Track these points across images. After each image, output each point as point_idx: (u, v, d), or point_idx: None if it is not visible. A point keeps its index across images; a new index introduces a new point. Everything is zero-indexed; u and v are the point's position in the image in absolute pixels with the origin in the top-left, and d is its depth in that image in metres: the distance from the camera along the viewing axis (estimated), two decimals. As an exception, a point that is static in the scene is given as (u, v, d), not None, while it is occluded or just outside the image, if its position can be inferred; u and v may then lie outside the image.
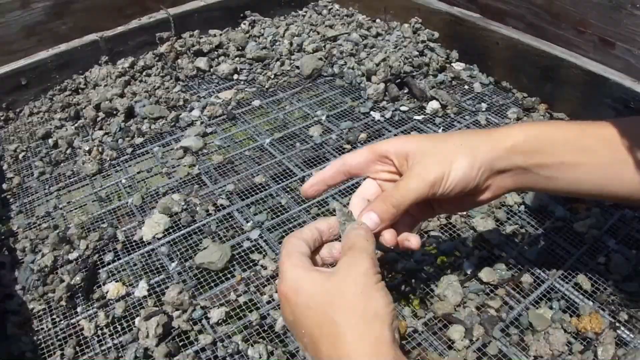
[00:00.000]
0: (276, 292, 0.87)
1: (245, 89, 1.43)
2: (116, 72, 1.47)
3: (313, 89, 1.43)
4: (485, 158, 0.62)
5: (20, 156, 1.30)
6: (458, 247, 0.93)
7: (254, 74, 1.49)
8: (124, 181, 1.17)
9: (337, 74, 1.44)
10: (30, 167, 1.26)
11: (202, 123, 1.31)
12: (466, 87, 1.38)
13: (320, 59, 1.47)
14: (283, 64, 1.50)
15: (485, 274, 0.86)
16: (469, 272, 0.88)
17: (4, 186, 1.20)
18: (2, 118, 1.43)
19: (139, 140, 1.28)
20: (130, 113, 1.35)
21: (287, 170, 1.14)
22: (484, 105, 1.29)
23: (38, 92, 1.48)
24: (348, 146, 1.19)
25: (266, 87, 1.43)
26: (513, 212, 1.00)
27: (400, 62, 1.35)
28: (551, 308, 0.81)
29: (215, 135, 1.28)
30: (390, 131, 1.23)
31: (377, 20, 1.66)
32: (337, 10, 1.77)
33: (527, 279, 0.86)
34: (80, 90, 1.49)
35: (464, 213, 0.99)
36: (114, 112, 1.35)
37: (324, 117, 1.28)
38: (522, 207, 1.00)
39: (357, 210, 0.64)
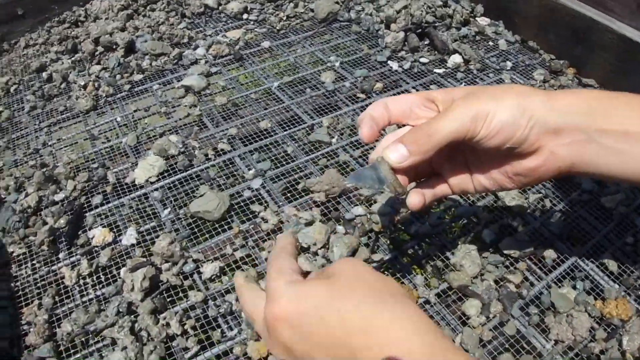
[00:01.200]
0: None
1: (255, 30, 1.34)
2: (118, 5, 1.37)
3: (327, 33, 1.33)
4: (538, 108, 0.51)
5: (12, 89, 1.23)
6: (478, 213, 0.85)
7: (265, 15, 1.39)
8: (119, 119, 1.09)
9: (354, 20, 1.34)
10: (22, 101, 1.18)
11: (206, 62, 1.21)
12: (490, 43, 1.28)
13: (337, 2, 1.37)
14: (297, 5, 1.40)
15: (506, 244, 0.78)
16: (488, 241, 0.80)
17: (-8, 120, 1.12)
18: (-5, 48, 1.34)
19: (138, 77, 1.19)
20: (130, 48, 1.26)
21: (296, 117, 1.06)
22: (508, 64, 1.19)
23: (35, 24, 1.39)
24: (362, 95, 1.10)
25: (277, 28, 1.33)
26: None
27: (422, 10, 1.25)
28: (575, 288, 0.74)
29: (220, 76, 1.19)
30: (408, 83, 1.14)
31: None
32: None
33: (550, 254, 0.78)
34: (79, 23, 1.40)
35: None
36: (114, 47, 1.26)
37: (337, 63, 1.19)
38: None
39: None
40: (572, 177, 0.91)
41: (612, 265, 0.77)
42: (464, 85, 1.13)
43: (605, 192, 0.88)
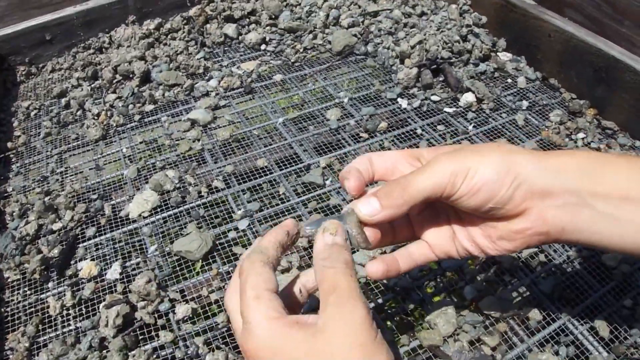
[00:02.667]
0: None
1: (270, 61, 1.33)
2: (140, 33, 1.39)
3: (342, 67, 1.31)
4: (525, 166, 0.47)
5: (32, 114, 1.25)
6: (463, 267, 0.81)
7: (282, 46, 1.38)
8: (124, 150, 1.10)
9: (370, 53, 1.32)
10: (39, 127, 1.20)
11: (217, 94, 1.21)
12: (509, 80, 1.23)
13: (355, 35, 1.35)
14: (315, 37, 1.38)
15: (487, 303, 0.74)
16: (469, 298, 0.76)
17: (9, 144, 1.15)
18: (24, 72, 1.38)
19: (149, 107, 1.20)
20: (146, 78, 1.28)
21: (294, 156, 1.04)
22: (524, 103, 1.14)
23: (62, 49, 1.43)
24: (365, 135, 1.07)
25: (292, 60, 1.32)
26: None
27: (438, 46, 1.21)
28: (557, 354, 0.69)
29: (228, 109, 1.18)
30: (415, 122, 1.11)
31: (425, -2, 1.52)
32: (385, -17, 1.63)
33: (535, 315, 0.74)
34: (104, 50, 1.43)
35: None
36: (130, 76, 1.28)
37: (346, 100, 1.17)
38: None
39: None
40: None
41: (604, 330, 0.72)
42: (473, 126, 1.09)
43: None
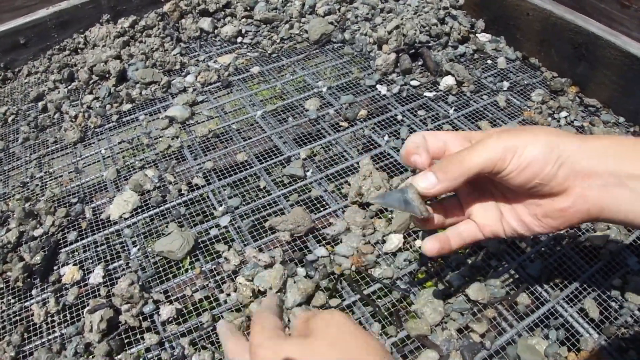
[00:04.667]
0: (234, 291, 0.77)
1: (247, 54, 1.31)
2: (115, 32, 1.37)
3: (319, 55, 1.30)
4: (568, 147, 0.50)
5: (10, 119, 1.23)
6: (448, 255, 0.80)
7: (259, 37, 1.37)
8: (103, 152, 1.08)
9: (348, 41, 1.30)
10: (17, 132, 1.18)
11: (194, 90, 1.20)
12: (489, 61, 1.22)
13: (331, 23, 1.33)
14: (292, 26, 1.37)
15: (475, 290, 0.73)
16: (455, 285, 0.75)
17: (-13, 152, 1.13)
18: (0, 78, 1.35)
19: (127, 106, 1.18)
20: (122, 77, 1.26)
21: (274, 148, 1.03)
22: (505, 84, 1.13)
23: (37, 52, 1.40)
24: (345, 123, 1.06)
25: (269, 52, 1.30)
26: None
27: (415, 30, 1.20)
28: (547, 338, 0.69)
29: (206, 104, 1.17)
30: (396, 108, 1.10)
31: (402, -18, 1.51)
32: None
33: (524, 299, 0.73)
34: (79, 50, 1.40)
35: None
36: (107, 75, 1.26)
37: (324, 89, 1.15)
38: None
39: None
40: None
41: (594, 311, 0.71)
42: (455, 108, 1.08)
43: (594, 227, 0.82)
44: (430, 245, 0.59)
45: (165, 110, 1.13)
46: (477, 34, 1.29)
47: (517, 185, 0.53)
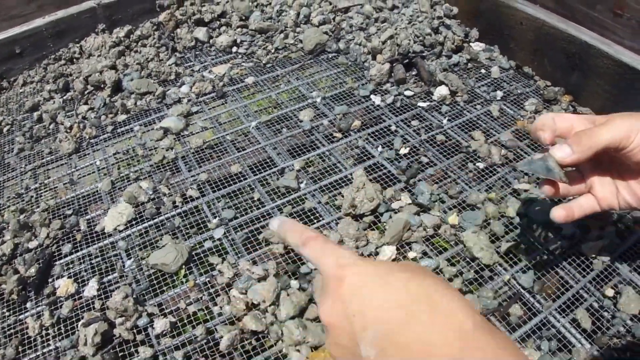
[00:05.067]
0: (228, 304, 0.77)
1: (242, 64, 1.32)
2: (110, 41, 1.37)
3: (314, 65, 1.30)
4: None
5: (5, 130, 1.23)
6: (442, 266, 0.80)
7: (254, 47, 1.37)
8: (98, 163, 1.08)
9: (342, 51, 1.31)
10: (12, 142, 1.18)
11: (189, 100, 1.20)
12: (483, 71, 1.23)
13: (326, 32, 1.34)
14: (287, 36, 1.37)
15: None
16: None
17: (-18, 163, 1.13)
18: (-5, 87, 1.36)
19: (122, 117, 1.19)
20: (117, 87, 1.26)
21: (268, 160, 1.03)
22: (499, 93, 1.14)
23: (33, 61, 1.41)
24: (339, 134, 1.07)
25: (264, 62, 1.31)
26: (513, 225, 0.86)
27: (410, 39, 1.21)
28: (539, 349, 0.69)
29: (201, 115, 1.17)
30: (389, 118, 1.10)
31: (396, -10, 1.51)
32: (356, -22, 1.62)
33: (516, 310, 0.73)
34: (75, 60, 1.41)
35: (456, 223, 0.86)
36: (102, 86, 1.26)
37: (319, 99, 1.16)
38: (525, 220, 0.86)
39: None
40: (551, 222, 0.85)
41: (586, 321, 0.72)
42: (448, 118, 1.08)
43: (587, 237, 0.82)
44: (558, 213, 0.67)
45: (160, 121, 1.13)
46: (471, 43, 1.30)
47: (637, 161, 0.60)
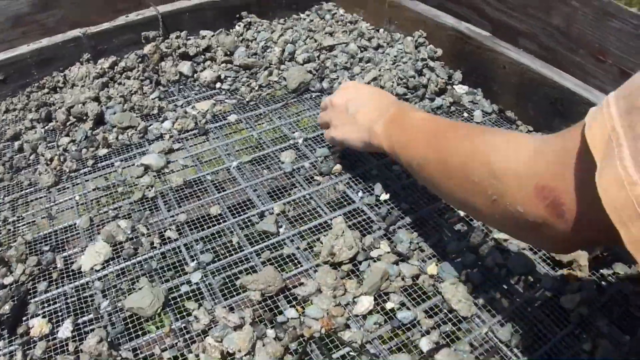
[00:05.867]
0: (203, 352, 0.77)
1: (225, 101, 1.32)
2: (94, 72, 1.37)
3: (297, 105, 1.30)
4: None
5: (-16, 159, 1.22)
6: (419, 318, 0.80)
7: (237, 83, 1.37)
8: (77, 198, 1.08)
9: (326, 90, 1.32)
10: (-8, 172, 1.17)
11: (170, 137, 1.20)
12: (466, 114, 1.24)
13: (310, 71, 1.35)
14: (271, 73, 1.38)
15: (444, 355, 0.74)
16: (425, 351, 0.75)
17: (-41, 192, 1.12)
18: (-23, 114, 1.34)
19: (103, 151, 1.18)
20: (100, 120, 1.26)
21: (248, 202, 1.03)
22: (480, 139, 1.15)
23: (16, 88, 1.40)
24: (319, 178, 1.07)
25: (247, 99, 1.31)
26: (492, 275, 0.86)
27: (393, 82, 1.22)
28: (513, 406, 0.69)
29: (182, 152, 1.17)
30: (370, 162, 1.11)
31: (381, 31, 1.53)
32: (342, 15, 1.63)
33: (492, 365, 0.73)
34: (58, 89, 1.40)
35: (435, 273, 0.87)
36: (84, 118, 1.26)
37: (300, 141, 1.16)
38: (504, 271, 0.87)
39: None
40: (530, 272, 0.86)
41: (562, 378, 0.72)
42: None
43: (566, 289, 0.83)
44: None
45: (141, 157, 1.13)
46: (454, 85, 1.31)
47: None
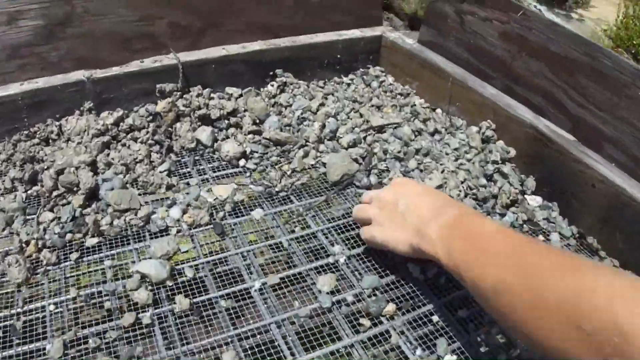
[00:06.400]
0: None
1: (250, 186, 1.07)
2: (95, 128, 1.14)
3: (339, 202, 1.06)
4: None
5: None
6: None
7: (266, 163, 1.13)
8: (52, 308, 0.84)
9: (374, 186, 1.07)
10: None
11: (178, 232, 0.96)
12: (541, 237, 1.00)
13: (355, 159, 1.11)
14: (307, 154, 1.14)
15: None
16: None
17: None
18: (-45, 163, 1.11)
19: (92, 241, 0.94)
20: (93, 194, 1.02)
21: (271, 347, 0.79)
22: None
23: (3, 133, 1.16)
24: (367, 322, 0.82)
25: (277, 188, 1.07)
26: None
27: (461, 190, 0.98)
28: None
29: (191, 253, 0.93)
30: (430, 300, 0.87)
31: (438, 111, 1.29)
32: (390, 84, 1.40)
33: None
34: (51, 141, 1.17)
35: None
36: (74, 189, 1.02)
37: (342, 259, 0.92)
38: None
39: None
40: None
41: None
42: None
43: None
44: None
45: (138, 264, 0.89)
46: (526, 195, 1.07)
47: None
